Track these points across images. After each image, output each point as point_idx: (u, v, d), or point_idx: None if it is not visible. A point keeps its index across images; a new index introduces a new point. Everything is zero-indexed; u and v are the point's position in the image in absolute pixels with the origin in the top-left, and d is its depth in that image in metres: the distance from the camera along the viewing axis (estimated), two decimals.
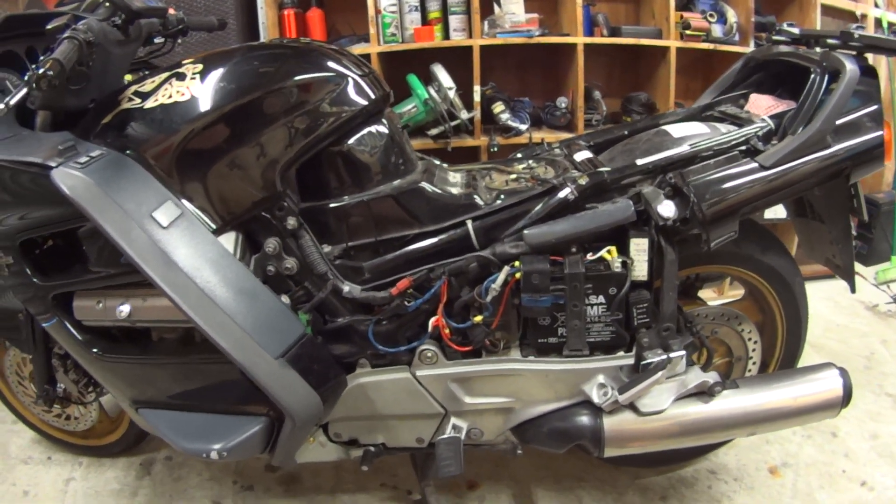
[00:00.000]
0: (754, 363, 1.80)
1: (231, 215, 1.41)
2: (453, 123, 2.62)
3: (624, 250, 1.41)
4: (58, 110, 1.45)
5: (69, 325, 1.53)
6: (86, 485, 2.06)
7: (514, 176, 1.59)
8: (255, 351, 1.32)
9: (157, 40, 1.75)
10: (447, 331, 1.44)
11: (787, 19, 2.82)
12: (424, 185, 1.49)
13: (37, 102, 1.39)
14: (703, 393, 1.47)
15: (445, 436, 1.54)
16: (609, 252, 1.39)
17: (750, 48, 2.73)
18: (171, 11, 1.69)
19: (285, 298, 1.44)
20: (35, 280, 1.48)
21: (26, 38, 1.59)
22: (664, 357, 1.42)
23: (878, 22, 3.09)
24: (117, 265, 1.38)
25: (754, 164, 1.41)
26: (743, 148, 1.47)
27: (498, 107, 2.75)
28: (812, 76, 1.48)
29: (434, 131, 2.67)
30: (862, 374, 2.45)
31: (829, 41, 1.59)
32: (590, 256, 1.40)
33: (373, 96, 1.46)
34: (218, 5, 2.46)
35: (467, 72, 2.64)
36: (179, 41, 1.79)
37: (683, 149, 1.48)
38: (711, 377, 1.47)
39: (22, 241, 1.44)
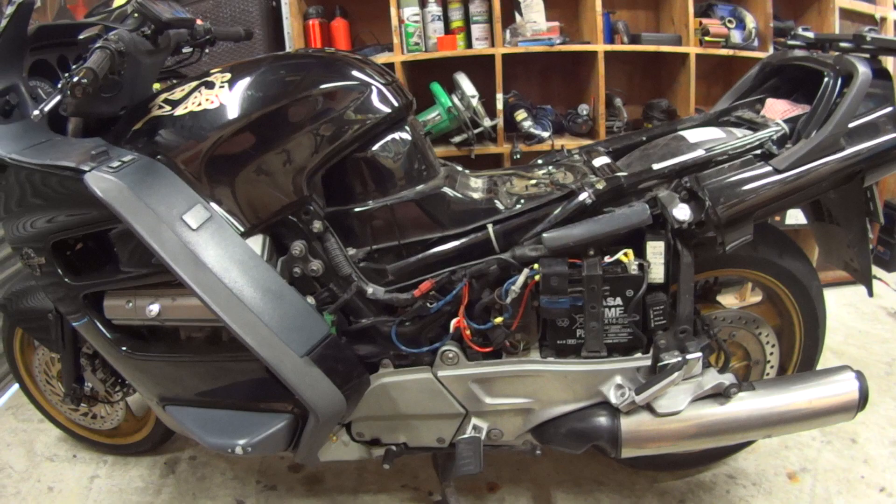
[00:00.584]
0: (772, 367, 1.83)
1: (259, 219, 1.47)
2: (476, 131, 2.67)
3: (641, 253, 1.45)
4: (89, 117, 1.51)
5: (99, 324, 1.59)
6: (110, 482, 2.12)
7: (533, 181, 1.65)
8: (281, 349, 1.37)
9: (185, 50, 1.81)
10: (468, 332, 1.49)
11: (805, 23, 2.85)
12: (446, 190, 1.54)
13: (69, 109, 1.45)
14: (720, 394, 1.50)
15: (466, 436, 1.58)
16: (626, 255, 1.43)
17: (769, 53, 2.74)
18: (199, 22, 1.75)
19: (311, 299, 1.50)
20: (67, 280, 1.53)
21: (57, 48, 1.68)
22: (681, 358, 1.45)
23: None
24: (148, 265, 1.44)
25: (768, 168, 1.42)
26: (757, 152, 1.49)
27: (520, 114, 2.80)
28: (825, 80, 1.50)
29: (458, 139, 2.72)
30: (883, 380, 2.45)
31: (843, 44, 1.60)
32: (607, 259, 1.44)
33: (396, 104, 1.52)
34: (244, 16, 2.52)
35: (490, 80, 2.69)
36: (207, 51, 1.85)
37: (699, 153, 1.51)
38: (727, 379, 1.50)
39: (54, 242, 1.50)
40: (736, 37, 2.76)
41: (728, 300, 2.01)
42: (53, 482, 2.13)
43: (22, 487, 2.11)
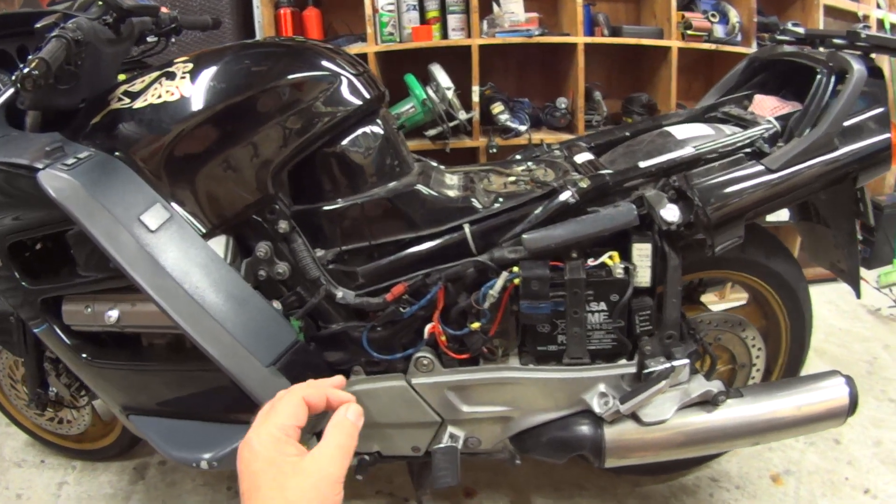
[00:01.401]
0: (758, 370, 1.74)
1: (221, 218, 1.35)
2: (452, 124, 2.55)
3: (626, 256, 1.35)
4: (48, 110, 1.40)
5: (58, 330, 1.48)
6: (79, 489, 2.02)
7: (512, 178, 1.53)
8: (246, 359, 1.26)
9: (150, 39, 1.69)
10: (443, 338, 1.37)
11: (789, 19, 2.75)
12: (420, 187, 1.42)
13: (26, 102, 1.35)
14: (707, 402, 1.41)
15: (442, 445, 1.47)
16: (611, 257, 1.32)
17: (752, 48, 2.67)
18: (164, 10, 1.63)
19: (277, 304, 1.38)
20: (24, 284, 1.43)
21: (18, 38, 1.56)
22: (667, 365, 1.35)
23: (881, 23, 3.03)
24: (105, 269, 1.32)
25: (760, 167, 1.34)
26: (748, 150, 1.41)
27: (497, 107, 2.69)
28: (818, 77, 1.42)
29: (432, 132, 2.60)
30: (864, 379, 2.38)
31: (836, 41, 1.53)
32: (591, 262, 1.33)
33: (367, 96, 1.40)
34: (213, 4, 2.39)
35: (466, 72, 2.58)
36: (174, 40, 1.74)
37: (687, 151, 1.41)
38: (715, 386, 1.41)
39: (11, 243, 1.39)
40: (719, 31, 2.67)
41: (708, 298, 1.92)
42: (21, 489, 2.03)
43: None
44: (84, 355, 1.48)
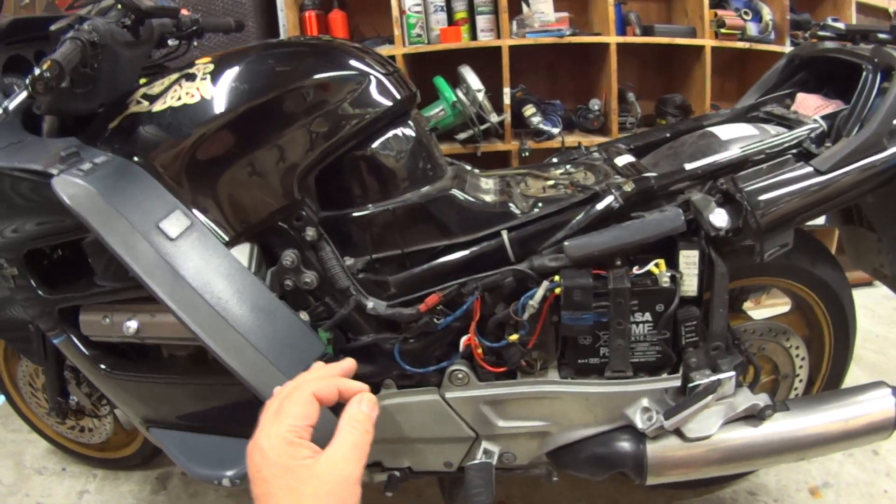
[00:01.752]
0: (801, 381, 1.64)
1: (245, 226, 1.27)
2: (483, 127, 2.47)
3: (671, 263, 1.26)
4: (65, 115, 1.34)
5: (76, 341, 1.42)
6: (100, 498, 1.97)
7: (551, 182, 1.44)
8: (269, 373, 1.16)
9: (171, 42, 1.64)
10: (480, 350, 1.29)
11: (821, 17, 2.66)
12: (455, 192, 1.33)
13: (42, 107, 1.29)
14: (753, 416, 1.32)
15: (476, 461, 1.38)
16: (657, 265, 1.23)
17: (786, 47, 2.56)
18: (185, 12, 1.58)
19: (304, 315, 1.30)
20: (40, 293, 1.37)
21: (36, 43, 1.51)
22: (713, 379, 1.26)
23: None
24: (124, 279, 1.25)
25: (809, 169, 1.25)
26: (795, 151, 1.32)
27: (528, 110, 2.60)
28: (864, 73, 1.33)
29: (463, 135, 2.52)
30: None
31: (880, 35, 1.45)
32: (636, 270, 1.24)
33: (398, 96, 1.32)
34: (237, 7, 2.34)
35: (496, 74, 2.50)
36: (196, 43, 1.68)
37: (733, 152, 1.32)
38: (762, 399, 1.31)
39: (28, 251, 1.33)
40: (752, 29, 2.57)
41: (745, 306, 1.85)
42: (42, 497, 1.99)
43: (10, 502, 1.97)
44: (103, 366, 1.41)
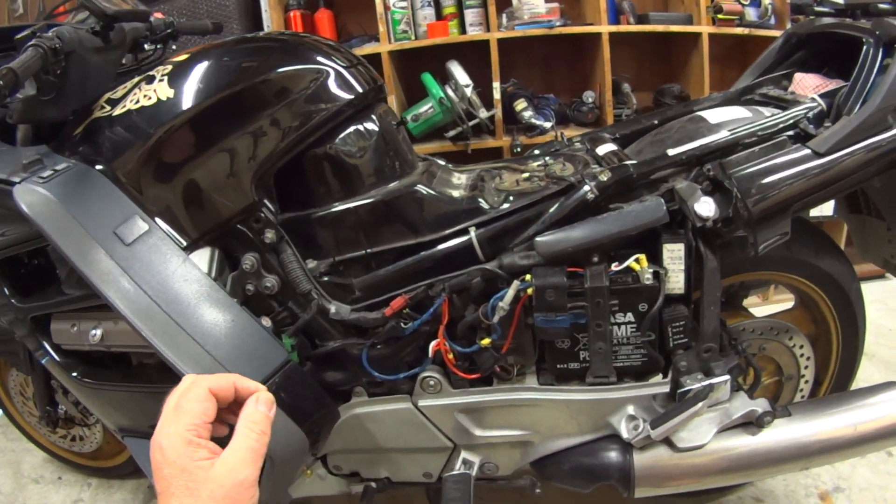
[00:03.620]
0: (807, 382, 1.50)
1: (203, 229, 1.17)
2: (472, 123, 2.34)
3: (655, 258, 1.13)
4: (37, 123, 1.29)
5: (49, 349, 1.36)
6: None
7: (526, 175, 1.30)
8: None
9: (147, 46, 1.56)
10: (451, 356, 1.17)
11: None
12: (420, 188, 1.21)
13: (14, 116, 1.23)
14: (751, 423, 1.20)
15: (454, 472, 1.27)
16: (638, 261, 1.10)
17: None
18: (158, 15, 1.51)
19: (267, 321, 1.19)
20: (13, 301, 1.32)
21: (11, 52, 1.44)
22: (705, 383, 1.13)
23: None
24: (86, 286, 1.15)
25: (806, 151, 1.11)
26: (791, 133, 1.18)
27: (520, 104, 2.47)
28: (864, 48, 1.20)
29: (452, 132, 2.39)
30: None
31: (881, 6, 1.29)
32: (615, 267, 1.11)
33: (360, 90, 1.20)
34: (220, 10, 2.24)
35: (486, 68, 2.37)
36: (174, 47, 1.60)
37: (722, 135, 1.19)
38: (760, 405, 1.19)
39: (0, 260, 1.29)
40: (751, 14, 2.40)
41: (749, 301, 1.70)
42: None
43: None
44: (74, 374, 1.35)
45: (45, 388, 1.73)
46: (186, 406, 0.64)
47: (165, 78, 1.16)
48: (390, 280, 1.20)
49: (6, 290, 1.32)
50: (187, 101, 1.14)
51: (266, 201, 1.19)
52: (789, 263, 1.35)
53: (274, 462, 1.12)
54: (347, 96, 1.19)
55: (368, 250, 1.20)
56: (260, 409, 0.68)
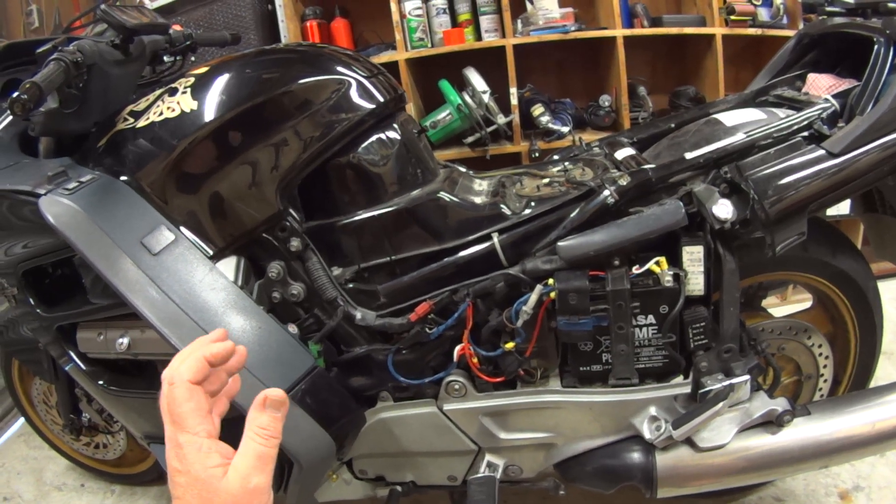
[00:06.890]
0: (825, 381, 1.51)
1: (229, 239, 1.21)
2: (490, 129, 2.37)
3: (675, 261, 1.15)
4: (59, 136, 1.32)
5: (75, 357, 1.39)
6: None
7: (546, 180, 1.33)
8: (255, 388, 1.09)
9: (166, 58, 1.60)
10: (475, 360, 1.20)
11: None
12: (443, 195, 1.25)
13: (36, 129, 1.26)
14: (771, 422, 1.22)
15: (479, 475, 1.30)
16: (658, 264, 1.13)
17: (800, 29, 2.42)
18: (177, 27, 1.54)
19: (293, 328, 1.23)
20: (39, 311, 1.34)
21: (34, 66, 1.48)
22: (726, 384, 1.16)
23: None
24: (112, 295, 1.19)
25: (821, 152, 1.13)
26: (806, 134, 1.21)
27: (537, 109, 2.48)
28: (876, 47, 1.22)
29: (471, 139, 2.42)
30: None
31: (891, 5, 1.31)
32: (636, 270, 1.14)
33: (381, 99, 1.24)
34: (238, 21, 2.28)
35: (503, 75, 2.40)
36: (193, 59, 1.63)
37: (738, 138, 1.21)
38: (780, 404, 1.21)
39: (26, 270, 1.31)
40: (763, 14, 2.42)
41: (767, 301, 1.71)
42: None
43: None
44: (100, 382, 1.38)
45: (70, 396, 1.76)
46: (178, 412, 0.64)
47: (188, 90, 1.20)
48: (415, 286, 1.23)
49: (31, 300, 1.35)
50: (211, 113, 1.17)
51: (291, 210, 1.23)
52: (806, 263, 1.37)
53: (303, 468, 1.15)
54: (369, 106, 1.22)
55: (393, 257, 1.23)
56: (268, 413, 0.67)
